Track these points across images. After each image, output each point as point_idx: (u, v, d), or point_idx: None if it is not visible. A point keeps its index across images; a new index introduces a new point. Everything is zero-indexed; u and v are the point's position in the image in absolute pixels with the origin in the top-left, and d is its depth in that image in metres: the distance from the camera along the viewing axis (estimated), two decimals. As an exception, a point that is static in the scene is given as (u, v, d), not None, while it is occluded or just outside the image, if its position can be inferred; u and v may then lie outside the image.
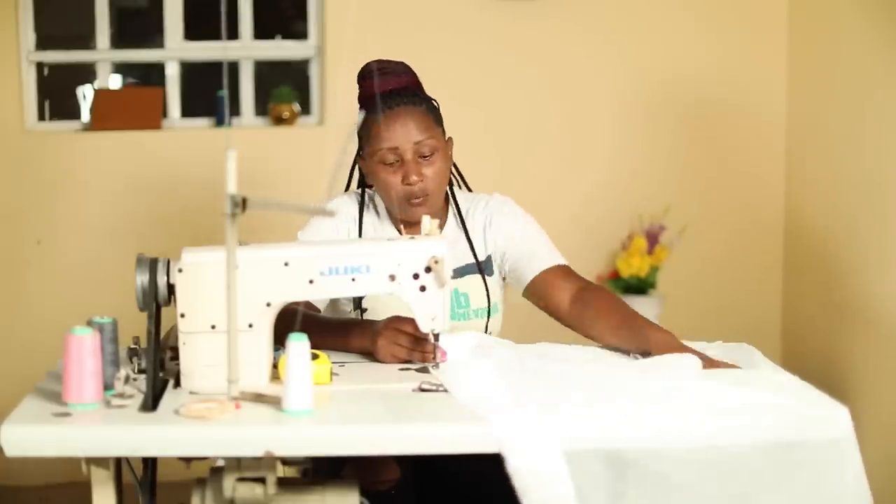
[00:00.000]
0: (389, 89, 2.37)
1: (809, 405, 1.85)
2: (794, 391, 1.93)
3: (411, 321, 2.08)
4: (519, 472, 1.66)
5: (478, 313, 2.44)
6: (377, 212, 2.50)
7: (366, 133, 2.39)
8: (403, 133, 2.34)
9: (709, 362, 2.01)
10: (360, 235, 2.46)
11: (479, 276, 2.44)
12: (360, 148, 2.44)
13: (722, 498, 1.74)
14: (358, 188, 2.54)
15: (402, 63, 2.45)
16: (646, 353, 2.10)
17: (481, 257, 2.47)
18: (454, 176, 2.56)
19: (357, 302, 2.42)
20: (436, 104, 2.44)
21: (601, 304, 2.27)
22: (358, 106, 2.44)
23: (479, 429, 1.72)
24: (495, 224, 2.47)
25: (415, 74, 2.45)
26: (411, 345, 2.12)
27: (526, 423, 1.70)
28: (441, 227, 2.46)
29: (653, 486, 1.71)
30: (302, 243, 2.36)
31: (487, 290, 2.44)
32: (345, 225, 2.47)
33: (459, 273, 2.43)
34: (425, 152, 2.35)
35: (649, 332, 2.12)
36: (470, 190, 2.59)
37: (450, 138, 2.47)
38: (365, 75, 2.43)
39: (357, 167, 2.53)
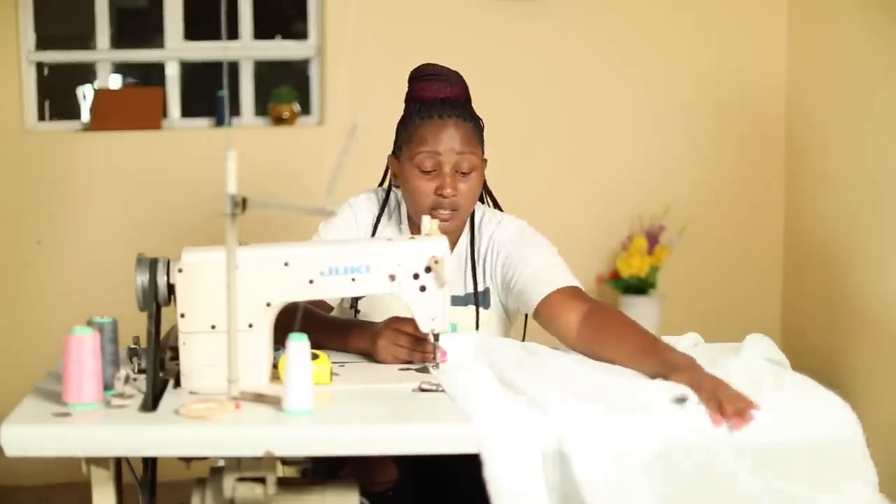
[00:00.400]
0: (443, 97, 2.33)
1: (811, 404, 1.85)
2: (802, 390, 1.93)
3: (411, 321, 2.07)
4: (493, 477, 1.67)
5: None
6: (399, 219, 2.46)
7: (408, 133, 2.33)
8: (449, 142, 2.29)
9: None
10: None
11: (472, 308, 2.39)
12: (397, 146, 2.39)
13: (721, 497, 1.74)
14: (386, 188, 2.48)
15: (458, 73, 2.41)
16: (664, 377, 1.90)
17: (480, 288, 2.41)
18: (486, 197, 2.52)
19: (353, 302, 2.42)
20: (482, 124, 2.40)
21: (613, 327, 2.10)
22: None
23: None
24: (500, 256, 2.38)
25: (467, 87, 2.40)
26: (412, 345, 2.11)
27: (507, 425, 1.71)
28: (452, 246, 2.40)
29: (650, 486, 1.71)
30: (302, 243, 2.37)
31: (478, 322, 2.38)
32: (364, 225, 2.44)
33: (455, 302, 2.36)
34: (464, 168, 2.31)
35: (669, 356, 1.94)
36: (501, 209, 2.51)
37: (485, 159, 2.41)
38: (420, 76, 2.39)
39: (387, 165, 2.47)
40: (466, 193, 2.31)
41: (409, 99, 2.39)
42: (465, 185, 2.30)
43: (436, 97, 2.32)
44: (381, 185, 2.50)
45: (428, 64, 2.41)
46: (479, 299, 2.39)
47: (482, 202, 2.51)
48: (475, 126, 2.35)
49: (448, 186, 2.28)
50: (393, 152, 2.41)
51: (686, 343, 2.17)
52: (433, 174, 2.30)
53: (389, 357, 2.12)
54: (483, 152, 2.38)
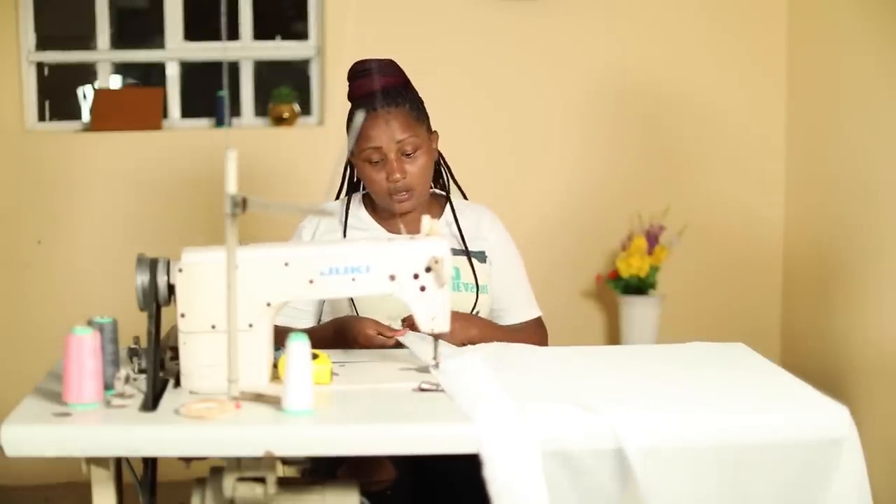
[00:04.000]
0: (373, 90, 2.45)
1: (809, 405, 1.86)
2: (793, 391, 1.94)
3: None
4: (493, 477, 1.68)
5: (467, 287, 2.48)
6: (359, 216, 2.56)
7: (353, 131, 2.46)
8: (387, 133, 2.43)
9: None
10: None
11: (465, 259, 2.49)
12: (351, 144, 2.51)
13: (719, 498, 1.74)
14: (347, 191, 2.64)
15: (388, 61, 2.53)
16: None
17: (475, 249, 2.53)
18: (444, 171, 2.64)
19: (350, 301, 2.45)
20: (420, 100, 2.52)
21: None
22: (349, 105, 2.53)
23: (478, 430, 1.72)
24: (495, 247, 2.57)
25: (400, 72, 2.53)
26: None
27: (506, 425, 1.71)
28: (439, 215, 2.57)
29: (650, 486, 1.71)
30: (302, 243, 2.37)
31: (475, 271, 2.49)
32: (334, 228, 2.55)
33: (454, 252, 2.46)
34: (408, 150, 2.45)
35: None
36: (458, 186, 2.66)
37: (434, 132, 2.55)
38: (352, 75, 2.52)
39: (348, 162, 2.61)
40: (416, 173, 2.46)
41: (349, 97, 2.54)
42: (412, 166, 2.46)
43: (368, 91, 2.46)
44: (339, 190, 2.65)
45: (359, 61, 2.53)
46: (470, 255, 2.51)
47: (436, 185, 2.63)
48: (411, 107, 2.48)
49: (396, 172, 2.43)
50: (351, 150, 2.55)
51: None
52: (381, 164, 2.45)
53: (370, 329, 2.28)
54: (429, 128, 2.52)
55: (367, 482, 2.12)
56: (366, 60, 2.51)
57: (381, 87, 2.45)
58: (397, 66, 2.53)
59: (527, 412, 1.76)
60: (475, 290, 2.48)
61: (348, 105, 2.55)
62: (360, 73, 2.49)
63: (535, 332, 2.56)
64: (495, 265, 2.55)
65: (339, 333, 2.35)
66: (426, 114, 2.52)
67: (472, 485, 1.73)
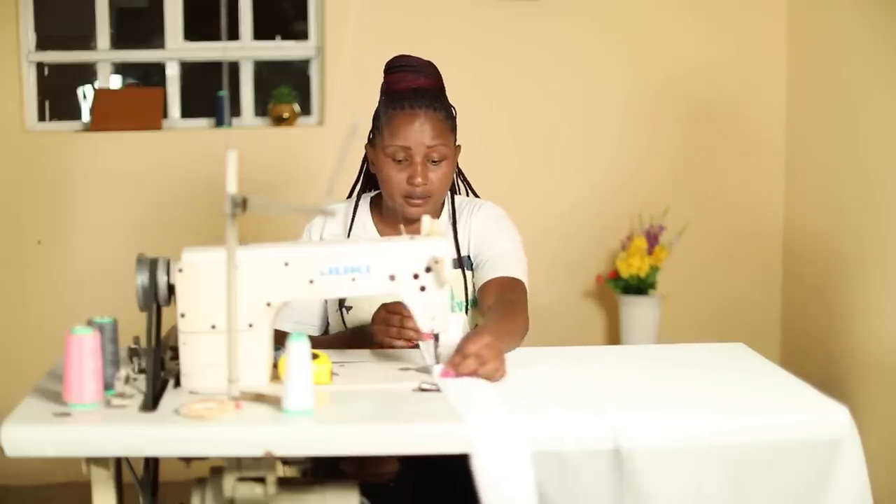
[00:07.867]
0: (415, 87, 2.40)
1: (809, 405, 1.86)
2: (793, 391, 1.94)
3: (399, 303, 2.16)
4: (482, 472, 1.68)
5: (460, 306, 2.45)
6: (364, 221, 2.53)
7: (382, 123, 2.42)
8: (419, 135, 2.37)
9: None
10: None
11: (459, 272, 2.46)
12: (372, 133, 2.47)
13: (719, 498, 1.74)
14: (360, 190, 2.59)
15: (432, 64, 2.47)
16: None
17: (463, 253, 2.49)
18: (461, 182, 2.60)
19: (340, 301, 2.44)
20: (454, 112, 2.47)
21: (494, 314, 2.26)
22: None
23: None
24: (475, 226, 2.48)
25: (440, 77, 2.47)
26: (401, 323, 2.20)
27: (496, 425, 1.71)
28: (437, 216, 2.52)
29: (650, 486, 1.71)
30: (302, 243, 2.37)
31: (466, 284, 2.45)
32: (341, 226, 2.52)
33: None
34: (434, 157, 2.38)
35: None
36: (477, 196, 2.60)
37: (458, 146, 2.49)
38: (393, 67, 2.46)
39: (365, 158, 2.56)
40: (437, 181, 2.40)
41: (383, 90, 2.46)
42: (435, 174, 2.39)
43: (407, 87, 2.40)
44: (353, 186, 2.59)
45: (401, 55, 2.47)
46: (464, 263, 2.46)
47: (454, 192, 2.57)
48: (446, 116, 2.42)
49: (419, 176, 2.37)
50: (369, 140, 2.49)
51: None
52: (405, 164, 2.38)
53: (385, 340, 2.21)
54: (455, 140, 2.47)
55: (369, 474, 2.13)
56: (408, 56, 2.46)
57: (420, 86, 2.40)
58: (437, 69, 2.47)
59: (518, 412, 1.76)
60: (465, 307, 2.44)
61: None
62: (400, 68, 2.43)
63: (515, 305, 2.36)
64: (481, 234, 2.45)
65: (356, 335, 2.34)
66: (456, 125, 2.46)
67: (472, 478, 1.73)
